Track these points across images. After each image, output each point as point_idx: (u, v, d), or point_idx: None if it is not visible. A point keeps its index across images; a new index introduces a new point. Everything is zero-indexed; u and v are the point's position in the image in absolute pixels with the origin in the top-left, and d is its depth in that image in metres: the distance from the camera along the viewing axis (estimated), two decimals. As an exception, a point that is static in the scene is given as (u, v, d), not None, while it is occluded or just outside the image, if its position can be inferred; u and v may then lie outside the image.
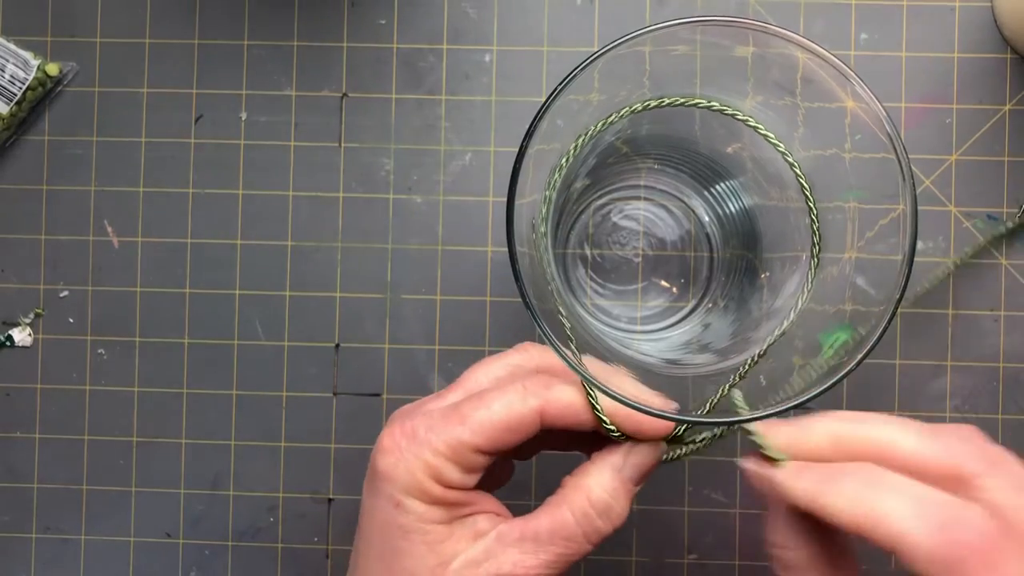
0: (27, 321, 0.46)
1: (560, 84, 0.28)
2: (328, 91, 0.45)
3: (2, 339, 0.45)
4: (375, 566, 0.27)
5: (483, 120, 0.45)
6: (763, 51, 0.29)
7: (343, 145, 0.45)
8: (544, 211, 0.30)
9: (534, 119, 0.28)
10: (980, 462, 0.23)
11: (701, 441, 0.30)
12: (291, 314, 0.45)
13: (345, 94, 0.45)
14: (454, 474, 0.28)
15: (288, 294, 0.45)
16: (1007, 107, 0.44)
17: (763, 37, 0.28)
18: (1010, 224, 0.43)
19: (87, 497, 0.45)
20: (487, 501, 0.30)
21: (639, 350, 0.38)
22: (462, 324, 0.45)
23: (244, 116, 0.45)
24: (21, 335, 0.45)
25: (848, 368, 0.26)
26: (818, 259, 0.31)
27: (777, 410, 0.25)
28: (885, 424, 0.25)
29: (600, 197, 0.41)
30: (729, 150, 0.36)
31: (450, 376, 0.45)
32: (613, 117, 0.32)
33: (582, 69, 0.27)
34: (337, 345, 0.45)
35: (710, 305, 0.40)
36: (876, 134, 0.27)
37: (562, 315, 0.29)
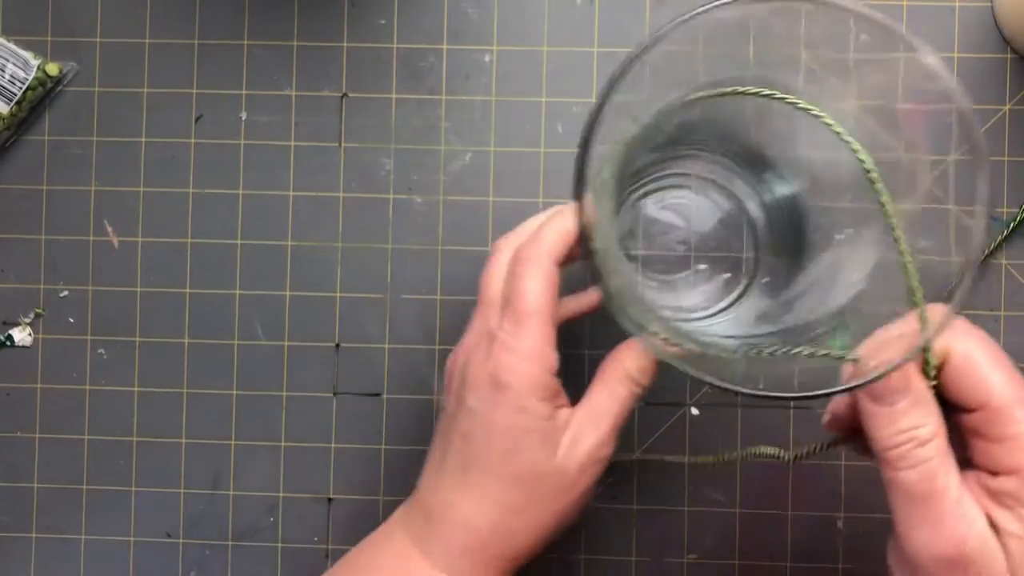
0: (27, 321, 0.46)
1: (650, 42, 0.27)
2: (328, 91, 0.45)
3: (2, 339, 0.45)
4: (498, 467, 0.32)
5: (483, 120, 0.45)
6: (813, 28, 0.29)
7: (343, 145, 0.45)
8: (610, 188, 0.31)
9: (610, 85, 0.27)
10: None
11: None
12: (291, 314, 0.45)
13: (345, 94, 0.45)
14: (554, 356, 0.33)
15: (288, 294, 0.45)
16: (1007, 107, 0.44)
17: (813, 10, 0.28)
18: (1011, 224, 0.43)
19: (87, 497, 0.45)
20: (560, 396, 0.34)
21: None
22: (462, 324, 0.44)
23: (244, 116, 0.45)
24: (21, 335, 0.45)
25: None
26: (886, 225, 0.31)
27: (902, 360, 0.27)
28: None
29: (643, 187, 0.41)
30: (776, 133, 0.36)
31: (450, 376, 0.45)
32: (671, 102, 0.32)
33: (683, 22, 0.27)
34: (337, 345, 0.45)
35: (758, 288, 0.40)
36: (930, 89, 0.27)
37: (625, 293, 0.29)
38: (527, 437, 0.32)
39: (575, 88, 0.44)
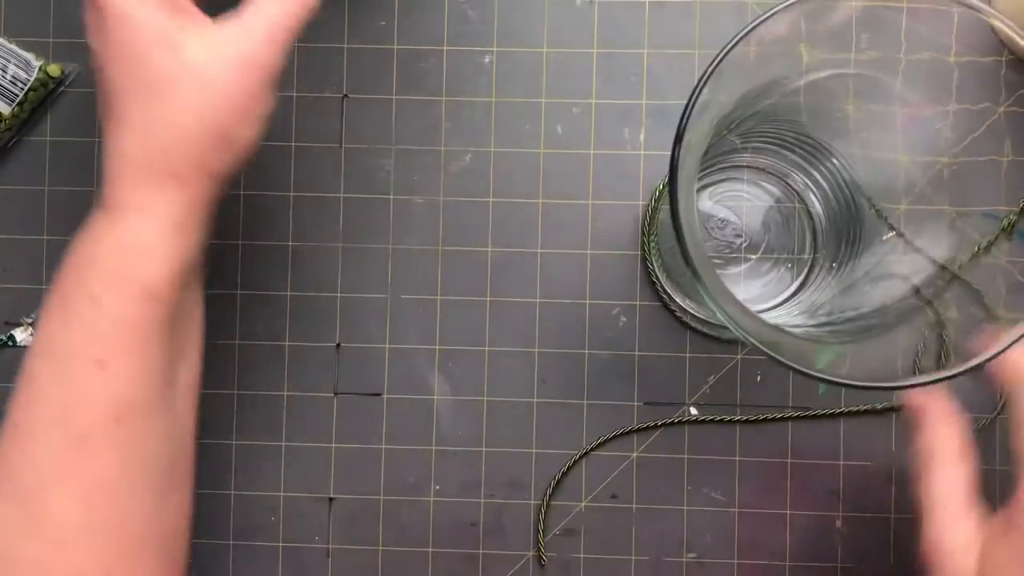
0: (29, 321, 0.46)
1: (757, 21, 0.28)
2: (329, 92, 0.45)
3: (4, 339, 0.46)
4: (130, 88, 0.32)
5: (483, 121, 0.45)
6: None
7: (344, 146, 0.45)
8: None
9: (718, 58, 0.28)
10: None
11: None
12: (291, 314, 0.45)
13: (346, 95, 0.45)
14: None
15: (289, 294, 0.45)
16: (1002, 108, 0.44)
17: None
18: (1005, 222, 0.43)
19: (88, 496, 0.46)
20: None
21: None
22: (462, 324, 0.45)
23: (245, 117, 0.45)
24: (23, 335, 0.46)
25: None
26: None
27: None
28: None
29: (700, 179, 0.41)
30: (842, 128, 0.36)
31: (450, 376, 0.45)
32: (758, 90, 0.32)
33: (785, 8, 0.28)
34: (338, 345, 0.45)
35: (815, 281, 0.40)
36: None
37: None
38: (142, 45, 0.30)
39: (575, 89, 0.45)
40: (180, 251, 0.31)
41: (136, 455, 0.32)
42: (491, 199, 0.45)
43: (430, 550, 0.45)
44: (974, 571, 0.30)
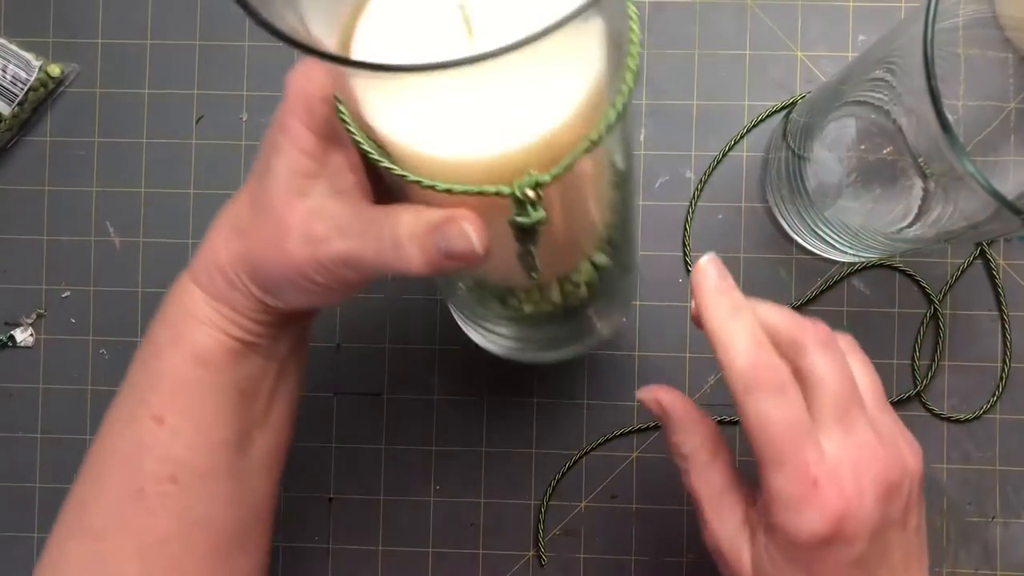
0: (29, 321, 0.46)
1: None
2: (329, 92, 0.45)
3: (4, 339, 0.46)
4: (245, 191, 0.32)
5: (483, 121, 0.45)
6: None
7: (343, 146, 0.45)
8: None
9: None
10: (816, 343, 0.31)
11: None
12: (292, 314, 0.45)
13: (345, 95, 0.45)
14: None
15: (289, 294, 0.45)
16: (1012, 105, 0.44)
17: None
18: None
19: (89, 496, 0.46)
20: None
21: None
22: (462, 324, 0.45)
23: (245, 117, 0.45)
24: (23, 335, 0.46)
25: None
26: None
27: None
28: (771, 307, 0.32)
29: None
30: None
31: (450, 375, 0.45)
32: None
33: None
34: (338, 345, 0.45)
35: (933, 197, 0.40)
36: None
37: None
38: (275, 167, 0.30)
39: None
40: (231, 330, 0.32)
41: (193, 516, 0.32)
42: (491, 199, 0.45)
43: (430, 550, 0.45)
44: (749, 558, 0.31)
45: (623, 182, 0.31)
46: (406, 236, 0.28)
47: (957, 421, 0.44)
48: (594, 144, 0.25)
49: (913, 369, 0.44)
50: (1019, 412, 0.44)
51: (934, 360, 0.44)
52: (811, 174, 0.41)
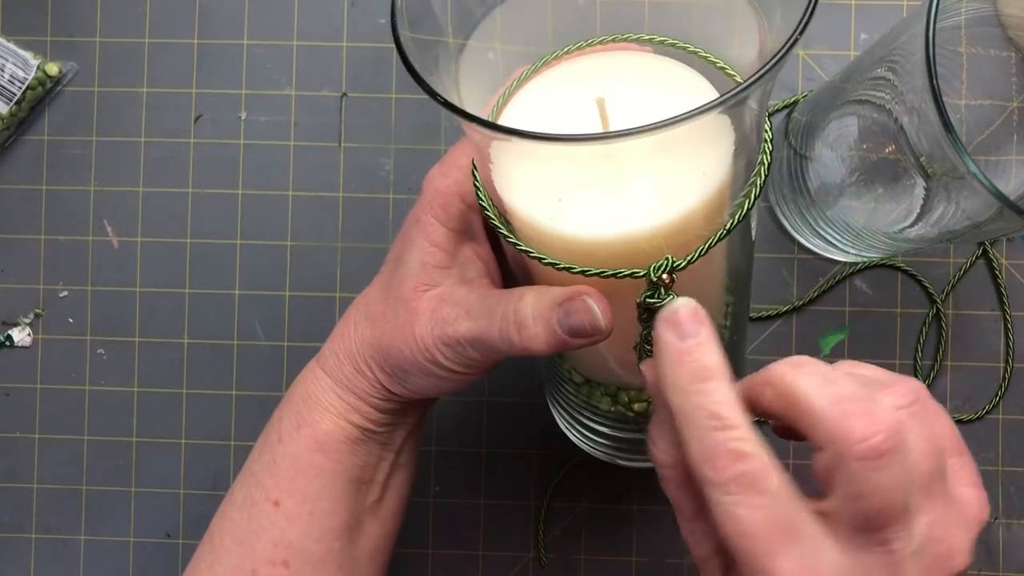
0: (27, 321, 0.46)
1: None
2: (328, 91, 0.45)
3: (2, 339, 0.45)
4: (380, 278, 0.34)
5: (483, 120, 0.45)
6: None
7: (343, 145, 0.45)
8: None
9: None
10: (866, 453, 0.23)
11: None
12: (291, 314, 0.45)
13: (345, 94, 0.45)
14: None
15: (288, 294, 0.45)
16: (1014, 104, 0.43)
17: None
18: None
19: (87, 497, 0.45)
20: None
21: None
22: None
23: (243, 116, 0.45)
24: (21, 335, 0.45)
25: None
26: None
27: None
28: (813, 376, 0.24)
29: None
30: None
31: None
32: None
33: None
34: (337, 345, 0.45)
35: (935, 196, 0.40)
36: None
37: None
38: (408, 260, 0.31)
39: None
40: (352, 418, 0.33)
41: None
42: (491, 198, 0.45)
43: (430, 551, 0.45)
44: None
45: (743, 278, 0.31)
46: (530, 314, 0.28)
47: (960, 421, 0.43)
48: (728, 232, 0.25)
49: (915, 369, 0.44)
50: (1022, 412, 0.44)
51: (936, 360, 0.44)
52: (813, 173, 0.41)
